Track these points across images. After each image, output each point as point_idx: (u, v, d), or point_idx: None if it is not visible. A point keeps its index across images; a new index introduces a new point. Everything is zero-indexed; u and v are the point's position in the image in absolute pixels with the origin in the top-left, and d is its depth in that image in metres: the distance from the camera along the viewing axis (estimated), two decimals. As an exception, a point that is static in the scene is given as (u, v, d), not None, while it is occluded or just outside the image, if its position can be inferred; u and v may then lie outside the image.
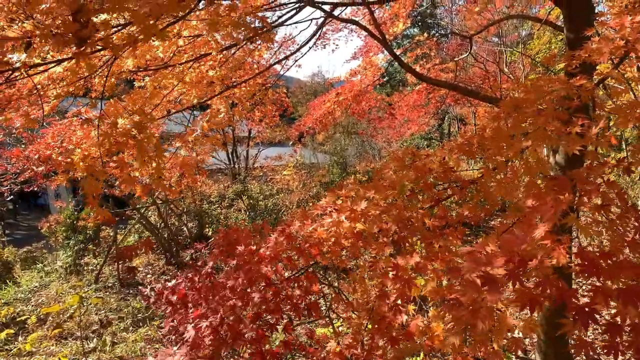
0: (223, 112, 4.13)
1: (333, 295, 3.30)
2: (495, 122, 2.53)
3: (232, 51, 4.67)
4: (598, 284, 1.68)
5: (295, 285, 2.38)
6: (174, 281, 2.65)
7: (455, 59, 7.20)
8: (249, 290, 2.32)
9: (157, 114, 5.08)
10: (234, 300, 2.27)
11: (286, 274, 2.58)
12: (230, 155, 18.75)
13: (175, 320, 2.55)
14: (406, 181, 2.60)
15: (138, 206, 11.61)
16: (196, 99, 5.28)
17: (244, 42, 3.84)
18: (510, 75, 13.40)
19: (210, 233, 13.00)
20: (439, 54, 8.91)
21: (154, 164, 2.86)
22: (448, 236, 2.39)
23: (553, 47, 14.46)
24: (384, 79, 28.45)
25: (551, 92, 2.52)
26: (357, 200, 2.70)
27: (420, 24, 25.52)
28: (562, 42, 13.99)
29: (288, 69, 10.78)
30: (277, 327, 2.30)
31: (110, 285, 10.03)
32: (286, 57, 5.41)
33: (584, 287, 6.96)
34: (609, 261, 1.70)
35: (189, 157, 4.00)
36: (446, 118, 20.31)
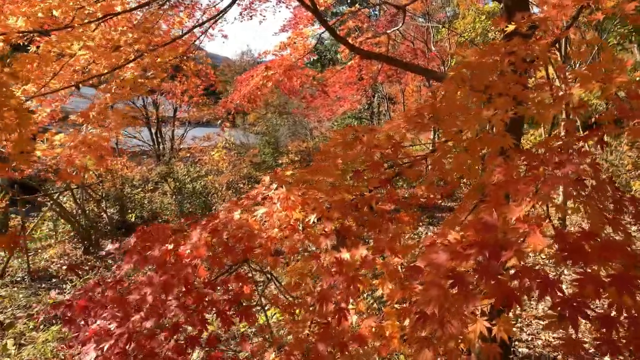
0: (130, 80, 3.54)
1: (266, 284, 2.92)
2: (448, 88, 2.22)
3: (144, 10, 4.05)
4: (583, 270, 1.40)
5: (223, 288, 1.96)
6: (73, 291, 2.13)
7: (388, 32, 6.93)
8: (164, 297, 1.88)
9: (57, 85, 4.37)
10: (144, 311, 1.82)
11: (214, 275, 2.16)
12: (154, 136, 17.67)
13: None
14: (350, 160, 2.25)
15: (50, 191, 10.57)
16: (106, 69, 4.62)
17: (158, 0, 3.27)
18: (437, 54, 13.50)
19: (133, 219, 12.15)
20: (370, 29, 8.63)
21: (15, 134, 2.28)
22: (399, 222, 2.07)
23: (477, 26, 14.82)
24: (315, 58, 28.09)
25: (510, 54, 2.24)
26: (295, 185, 2.32)
27: (349, 1, 25.27)
28: (486, 21, 14.42)
29: (213, 38, 10.05)
30: (200, 340, 1.88)
31: (19, 279, 9.01)
32: (206, 22, 4.84)
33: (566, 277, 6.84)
34: (592, 243, 1.43)
35: (92, 134, 3.40)
36: (376, 97, 20.30)
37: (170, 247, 2.16)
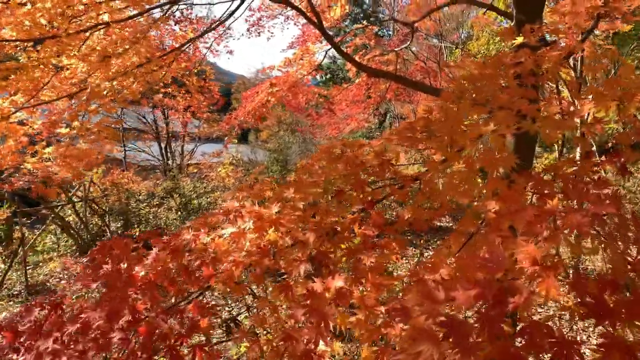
0: (107, 89, 3.36)
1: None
2: (445, 102, 1.98)
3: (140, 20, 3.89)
4: (608, 332, 1.12)
5: (177, 319, 1.71)
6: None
7: (396, 49, 6.74)
8: (109, 327, 1.64)
9: (47, 97, 4.21)
10: (82, 344, 1.57)
11: (172, 302, 1.91)
12: (163, 151, 17.64)
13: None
14: (333, 177, 2.00)
15: (53, 204, 10.46)
16: (103, 82, 4.46)
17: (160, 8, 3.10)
18: (450, 74, 13.29)
19: (137, 234, 11.92)
20: (380, 47, 8.47)
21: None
22: (383, 249, 1.81)
23: (491, 47, 14.73)
24: (328, 77, 28.07)
25: (516, 65, 2.00)
26: (272, 202, 2.08)
27: (361, 18, 25.26)
28: (499, 42, 14.27)
29: (218, 54, 9.96)
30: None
31: (16, 293, 8.82)
32: (205, 33, 4.68)
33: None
34: (615, 296, 1.15)
35: (72, 148, 3.21)
36: (388, 116, 20.12)
37: (124, 266, 1.92)
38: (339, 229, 1.84)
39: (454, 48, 14.86)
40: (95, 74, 4.59)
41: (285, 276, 1.79)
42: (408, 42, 6.79)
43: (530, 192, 1.71)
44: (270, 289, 1.91)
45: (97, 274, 1.86)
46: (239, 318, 4.33)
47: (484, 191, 1.74)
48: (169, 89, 9.21)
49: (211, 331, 1.77)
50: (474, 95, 1.95)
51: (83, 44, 3.93)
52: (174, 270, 1.88)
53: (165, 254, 1.98)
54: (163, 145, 17.66)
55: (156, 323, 1.65)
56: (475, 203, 1.65)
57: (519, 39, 2.47)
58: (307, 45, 6.88)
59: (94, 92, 2.95)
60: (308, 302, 1.56)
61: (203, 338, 2.34)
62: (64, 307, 1.83)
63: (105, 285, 1.82)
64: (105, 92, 3.31)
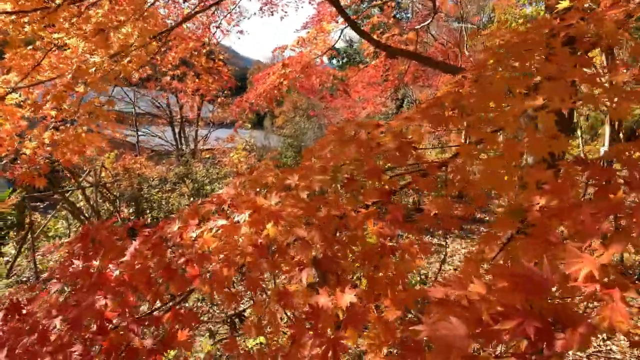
0: (95, 66, 3.05)
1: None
2: (478, 73, 1.64)
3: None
4: None
5: (152, 330, 1.43)
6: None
7: (417, 27, 6.33)
8: (69, 340, 1.36)
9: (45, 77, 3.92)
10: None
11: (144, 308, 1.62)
12: (177, 136, 17.45)
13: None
14: (343, 162, 1.69)
15: (63, 189, 10.32)
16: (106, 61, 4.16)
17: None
18: (471, 58, 12.86)
19: (149, 220, 11.80)
20: (398, 27, 8.06)
21: None
22: (404, 253, 1.49)
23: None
24: (344, 60, 27.55)
25: (567, 27, 1.64)
26: (270, 192, 1.77)
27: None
28: (523, 25, 13.79)
29: (228, 33, 9.60)
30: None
31: (24, 279, 8.72)
32: (209, 7, 4.35)
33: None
34: None
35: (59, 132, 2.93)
36: (405, 102, 19.63)
37: (96, 263, 1.63)
38: (349, 225, 1.53)
39: (476, 28, 14.38)
40: (96, 52, 4.31)
41: (285, 277, 1.49)
42: (429, 21, 6.38)
43: (583, 183, 1.38)
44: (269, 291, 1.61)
45: (64, 272, 1.58)
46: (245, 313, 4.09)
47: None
48: (177, 71, 8.89)
49: (215, 326, 1.48)
50: (515, 64, 1.62)
51: (78, 17, 3.64)
52: (153, 269, 1.59)
53: (146, 248, 1.69)
54: (177, 130, 17.46)
55: (126, 335, 1.36)
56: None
57: (564, 3, 2.11)
58: (322, 25, 6.52)
59: (79, 69, 2.66)
60: (310, 321, 1.26)
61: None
62: (23, 311, 1.55)
63: (73, 285, 1.55)
64: (93, 70, 3.02)
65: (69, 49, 4.57)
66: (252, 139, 16.03)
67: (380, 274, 1.43)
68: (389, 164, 1.62)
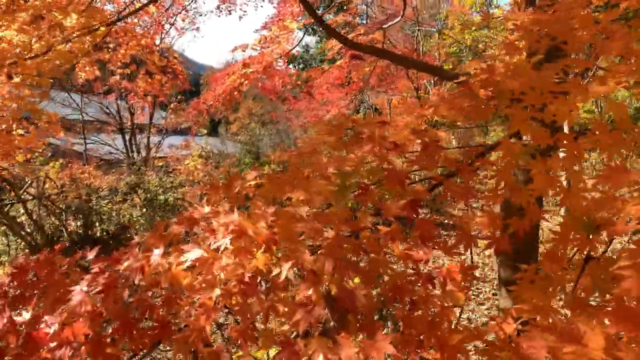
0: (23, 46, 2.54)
1: None
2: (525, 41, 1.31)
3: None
4: None
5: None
6: None
7: (383, 27, 6.07)
8: None
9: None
10: None
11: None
12: (128, 144, 16.58)
13: None
14: (349, 166, 1.32)
15: (1, 202, 9.46)
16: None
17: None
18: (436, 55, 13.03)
19: (99, 233, 11.05)
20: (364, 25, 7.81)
21: None
22: (445, 283, 1.14)
23: (466, 37, 14.71)
24: (301, 67, 27.26)
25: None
26: (256, 206, 1.38)
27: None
28: (475, 32, 14.13)
29: (183, 32, 8.96)
30: None
31: (-44, 305, 7.80)
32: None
33: None
34: None
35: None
36: (361, 108, 19.52)
37: (27, 315, 1.19)
38: (367, 248, 1.16)
39: (429, 38, 14.67)
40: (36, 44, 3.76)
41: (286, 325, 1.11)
42: (397, 19, 6.14)
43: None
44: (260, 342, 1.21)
45: None
46: None
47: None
48: (127, 70, 8.25)
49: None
50: (560, 42, 1.30)
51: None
52: (106, 320, 1.17)
53: (99, 288, 1.26)
54: (128, 138, 16.61)
55: None
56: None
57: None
58: (285, 23, 6.15)
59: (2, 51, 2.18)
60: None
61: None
62: None
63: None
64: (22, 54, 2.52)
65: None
66: (208, 146, 15.45)
67: (419, 311, 1.08)
68: (412, 169, 1.27)
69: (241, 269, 1.23)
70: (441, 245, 1.14)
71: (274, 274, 1.21)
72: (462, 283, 1.17)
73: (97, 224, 11.31)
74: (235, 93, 6.26)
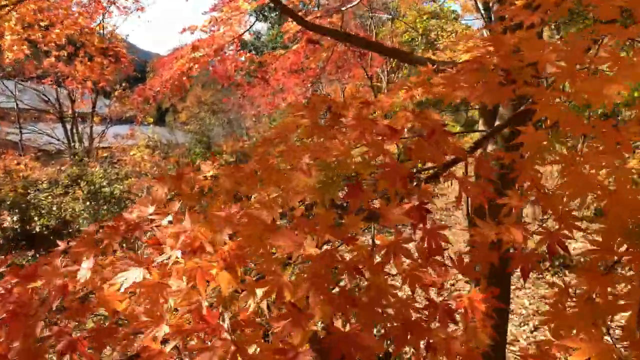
0: None
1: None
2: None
3: None
4: None
5: None
6: None
7: (342, 9, 5.78)
8: None
9: None
10: None
11: None
12: (69, 134, 15.60)
13: None
14: (335, 157, 1.04)
15: None
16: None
17: None
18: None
19: (38, 229, 10.32)
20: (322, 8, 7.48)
21: None
22: (468, 315, 0.88)
23: (418, 26, 15.00)
24: (251, 53, 26.58)
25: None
26: (215, 208, 1.08)
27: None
28: (427, 21, 14.36)
29: (127, 12, 8.29)
30: None
31: None
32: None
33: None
34: None
35: None
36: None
37: None
38: (363, 269, 0.89)
39: (382, 26, 14.76)
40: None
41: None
42: (355, 2, 5.86)
43: None
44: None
45: None
46: None
47: None
48: (64, 52, 7.54)
49: None
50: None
51: None
52: None
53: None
54: (69, 127, 15.63)
55: None
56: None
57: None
58: (238, 3, 5.74)
59: None
60: None
61: None
62: None
63: None
64: None
65: None
66: (156, 135, 14.76)
67: (442, 358, 0.81)
68: (416, 161, 1.00)
69: (196, 295, 0.92)
70: (461, 266, 0.88)
71: (240, 302, 0.91)
72: (486, 316, 0.91)
73: (35, 218, 10.61)
74: (184, 78, 5.81)
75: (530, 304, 4.99)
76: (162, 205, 1.28)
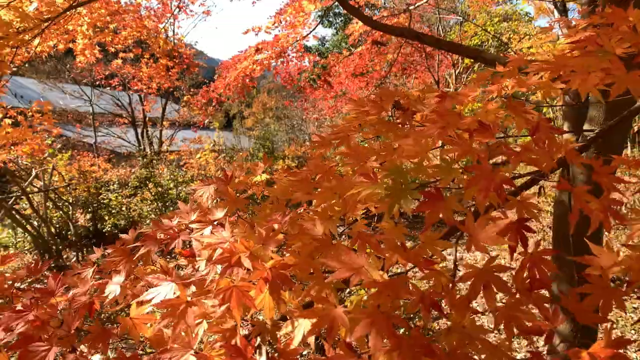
0: None
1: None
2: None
3: None
4: None
5: None
6: None
7: (410, 8, 5.50)
8: None
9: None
10: None
11: None
12: (140, 137, 16.34)
13: None
14: (405, 158, 0.84)
15: (8, 195, 9.23)
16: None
17: None
18: (448, 55, 12.55)
19: (108, 227, 10.78)
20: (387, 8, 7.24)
21: None
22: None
23: (489, 29, 14.52)
24: (315, 60, 26.76)
25: None
26: (262, 217, 0.92)
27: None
28: (498, 24, 13.82)
29: (192, 14, 8.51)
30: None
31: (-38, 294, 7.53)
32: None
33: None
34: None
35: None
36: (380, 102, 19.15)
37: None
38: (446, 297, 0.68)
39: (449, 30, 14.41)
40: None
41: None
42: (423, 1, 5.58)
43: None
44: None
45: None
46: None
47: None
48: (131, 54, 7.78)
49: None
50: None
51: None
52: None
53: (10, 345, 0.81)
54: (139, 131, 16.39)
55: None
56: None
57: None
58: (302, 4, 5.63)
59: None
60: None
61: None
62: None
63: None
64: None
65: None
66: (222, 140, 15.09)
67: None
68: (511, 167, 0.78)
69: (231, 320, 0.75)
70: (573, 304, 0.65)
71: (282, 331, 0.73)
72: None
73: (106, 217, 11.11)
74: (247, 81, 5.78)
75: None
76: (205, 211, 1.13)
